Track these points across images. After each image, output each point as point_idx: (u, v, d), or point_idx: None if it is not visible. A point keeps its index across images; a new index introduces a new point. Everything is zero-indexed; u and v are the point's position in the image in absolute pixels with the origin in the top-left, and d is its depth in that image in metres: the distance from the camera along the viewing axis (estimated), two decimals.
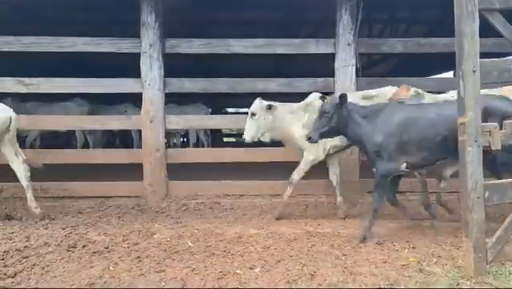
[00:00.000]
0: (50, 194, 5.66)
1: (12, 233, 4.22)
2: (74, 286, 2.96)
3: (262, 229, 4.35)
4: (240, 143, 16.60)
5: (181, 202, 5.55)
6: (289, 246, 3.77)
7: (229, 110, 18.44)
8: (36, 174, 5.07)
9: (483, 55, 3.01)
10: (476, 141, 2.95)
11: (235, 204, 5.46)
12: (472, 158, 2.94)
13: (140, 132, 6.02)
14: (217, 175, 6.19)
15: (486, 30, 3.18)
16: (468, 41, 2.94)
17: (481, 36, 2.96)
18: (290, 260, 3.41)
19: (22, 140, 8.21)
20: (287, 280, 3.00)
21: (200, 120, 6.97)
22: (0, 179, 5.54)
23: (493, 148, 3.01)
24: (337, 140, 4.64)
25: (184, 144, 12.52)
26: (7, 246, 3.79)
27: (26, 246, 3.81)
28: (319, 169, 5.98)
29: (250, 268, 3.25)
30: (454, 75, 11.50)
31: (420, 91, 4.53)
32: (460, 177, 3.04)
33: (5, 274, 3.17)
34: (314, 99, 4.82)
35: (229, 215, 5.00)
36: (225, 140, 18.10)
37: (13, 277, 3.13)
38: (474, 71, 2.94)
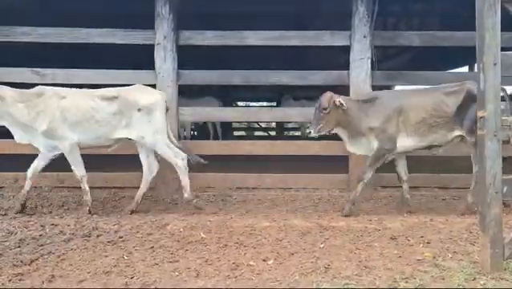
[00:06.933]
0: (66, 184, 5.71)
1: (28, 221, 4.28)
2: (90, 274, 2.99)
3: (275, 222, 4.33)
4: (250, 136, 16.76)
5: (193, 194, 5.55)
6: (302, 240, 3.75)
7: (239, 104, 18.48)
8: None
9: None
10: (495, 136, 2.90)
11: (248, 196, 5.46)
12: (491, 153, 2.89)
13: None
14: (230, 167, 6.19)
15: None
16: (489, 33, 2.88)
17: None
18: (304, 253, 3.40)
19: None
20: (301, 272, 2.99)
21: (213, 113, 6.95)
22: (15, 168, 5.61)
23: None
24: None
25: (194, 137, 12.56)
26: (23, 235, 3.85)
27: (41, 235, 3.86)
28: (334, 163, 5.97)
29: (264, 260, 3.25)
30: (469, 69, 11.38)
31: None
32: (478, 172, 2.99)
33: (21, 261, 3.21)
34: None
35: (242, 207, 5.00)
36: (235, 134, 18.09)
37: (29, 264, 3.17)
38: (495, 64, 2.89)
